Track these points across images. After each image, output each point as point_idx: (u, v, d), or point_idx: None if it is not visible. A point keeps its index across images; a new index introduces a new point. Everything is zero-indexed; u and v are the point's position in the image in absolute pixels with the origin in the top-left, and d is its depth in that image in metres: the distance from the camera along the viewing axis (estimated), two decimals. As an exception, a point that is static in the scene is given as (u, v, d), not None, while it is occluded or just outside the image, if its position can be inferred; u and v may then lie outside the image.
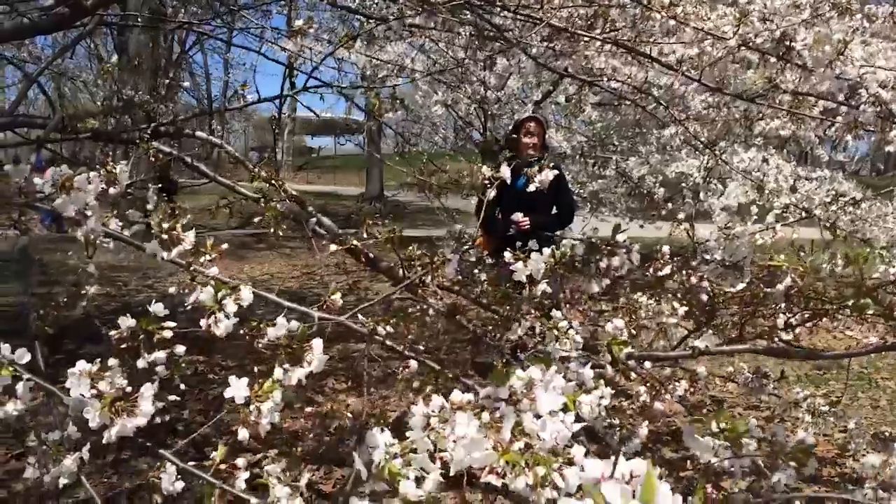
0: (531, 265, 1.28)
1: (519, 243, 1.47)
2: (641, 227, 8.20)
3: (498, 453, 0.89)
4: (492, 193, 1.51)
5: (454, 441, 0.92)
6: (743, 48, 1.73)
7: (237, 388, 1.14)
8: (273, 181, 2.13)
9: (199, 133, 2.93)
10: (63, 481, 1.14)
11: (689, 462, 2.38)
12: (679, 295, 1.67)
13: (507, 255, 1.33)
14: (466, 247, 1.47)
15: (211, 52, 26.22)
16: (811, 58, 1.68)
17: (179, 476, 1.19)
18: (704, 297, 1.63)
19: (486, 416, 0.94)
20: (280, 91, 2.95)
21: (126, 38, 8.33)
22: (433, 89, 7.75)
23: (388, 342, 1.32)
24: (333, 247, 1.58)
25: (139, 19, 3.66)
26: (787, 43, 1.72)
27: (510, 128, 4.09)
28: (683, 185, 5.72)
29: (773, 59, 1.78)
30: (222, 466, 1.12)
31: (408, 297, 1.58)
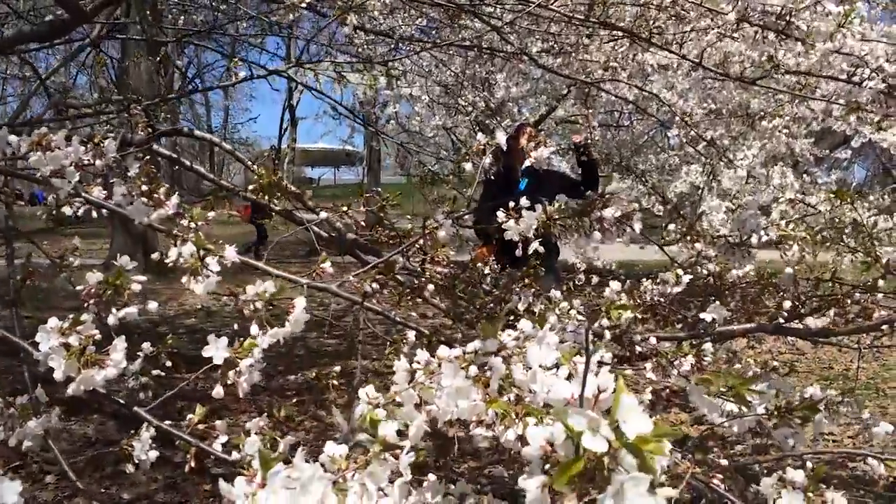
0: (523, 223, 1.22)
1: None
2: (642, 248, 8.15)
3: (486, 403, 0.84)
4: (486, 161, 1.46)
5: (440, 392, 0.86)
6: (742, 23, 1.70)
7: (216, 349, 1.08)
8: (272, 177, 2.08)
9: (197, 132, 2.92)
10: (27, 444, 1.08)
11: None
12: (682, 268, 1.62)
13: (501, 214, 1.28)
14: (459, 214, 1.42)
15: (212, 83, 26.54)
16: (811, 31, 1.65)
17: (154, 444, 1.13)
18: (711, 267, 1.57)
19: (473, 369, 0.88)
20: (281, 116, 2.94)
21: (126, 65, 8.38)
22: (432, 112, 7.79)
23: (381, 304, 1.27)
24: (325, 214, 1.53)
25: (140, 26, 3.67)
26: (787, 18, 1.69)
27: (510, 133, 4.08)
28: (686, 200, 5.70)
29: (771, 37, 1.75)
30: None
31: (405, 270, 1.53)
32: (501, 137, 1.43)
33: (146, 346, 1.50)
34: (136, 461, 1.11)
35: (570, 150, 7.59)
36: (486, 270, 1.89)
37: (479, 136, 1.47)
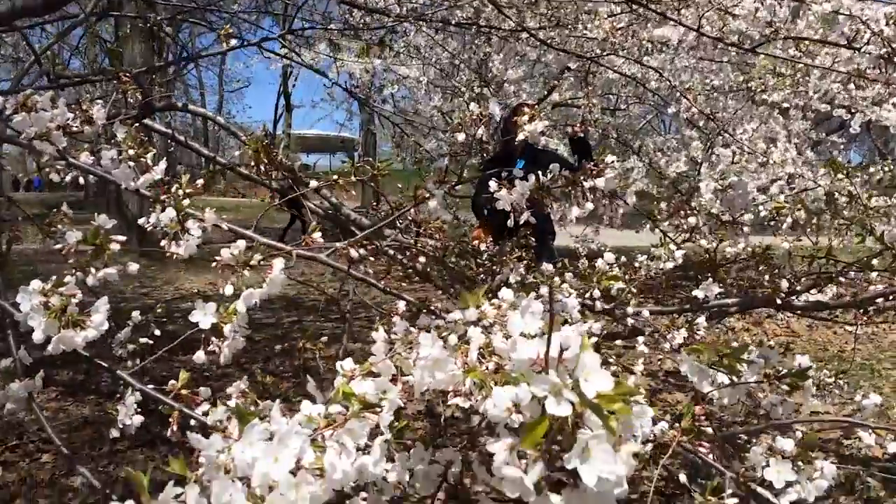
0: (515, 192, 1.20)
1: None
2: (637, 232, 8.13)
3: (464, 373, 0.82)
4: (480, 131, 1.44)
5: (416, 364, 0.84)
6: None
7: (203, 314, 1.07)
8: (266, 150, 2.05)
9: (191, 107, 2.89)
10: (10, 406, 1.06)
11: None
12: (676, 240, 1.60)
13: (493, 184, 1.26)
14: (450, 184, 1.40)
15: (205, 68, 26.52)
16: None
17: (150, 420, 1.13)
18: (703, 242, 1.56)
19: (452, 338, 0.87)
20: (276, 102, 2.92)
21: (120, 37, 8.31)
22: (429, 95, 7.75)
23: (369, 271, 1.25)
24: (315, 183, 1.51)
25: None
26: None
27: (507, 114, 4.04)
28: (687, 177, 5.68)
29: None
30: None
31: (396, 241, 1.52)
32: (495, 108, 1.41)
33: (136, 314, 1.49)
34: (121, 426, 1.10)
35: (565, 134, 7.56)
36: (482, 248, 1.87)
37: (473, 106, 1.45)
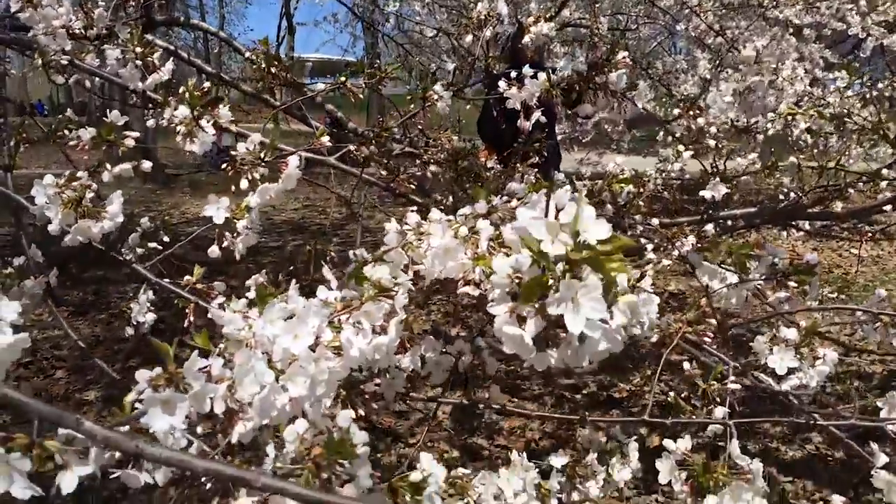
0: (525, 90, 1.19)
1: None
2: (644, 157, 8.08)
3: (473, 261, 0.83)
4: (487, 33, 1.42)
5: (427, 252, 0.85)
6: None
7: (216, 208, 1.07)
8: (269, 57, 2.01)
9: (193, 21, 2.84)
10: (24, 302, 1.08)
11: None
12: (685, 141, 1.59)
13: (502, 84, 1.25)
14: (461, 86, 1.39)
15: (205, -12, 25.80)
16: None
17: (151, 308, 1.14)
18: (712, 143, 1.55)
19: (463, 230, 0.87)
20: (278, 24, 2.83)
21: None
22: (433, 15, 7.55)
23: (382, 172, 1.25)
24: (322, 86, 1.49)
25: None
26: None
27: (512, 34, 3.96)
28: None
29: None
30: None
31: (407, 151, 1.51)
32: (503, 8, 1.39)
33: (144, 221, 1.49)
34: (134, 322, 1.12)
35: (575, 57, 7.41)
36: (489, 164, 1.87)
37: (480, 6, 1.42)
